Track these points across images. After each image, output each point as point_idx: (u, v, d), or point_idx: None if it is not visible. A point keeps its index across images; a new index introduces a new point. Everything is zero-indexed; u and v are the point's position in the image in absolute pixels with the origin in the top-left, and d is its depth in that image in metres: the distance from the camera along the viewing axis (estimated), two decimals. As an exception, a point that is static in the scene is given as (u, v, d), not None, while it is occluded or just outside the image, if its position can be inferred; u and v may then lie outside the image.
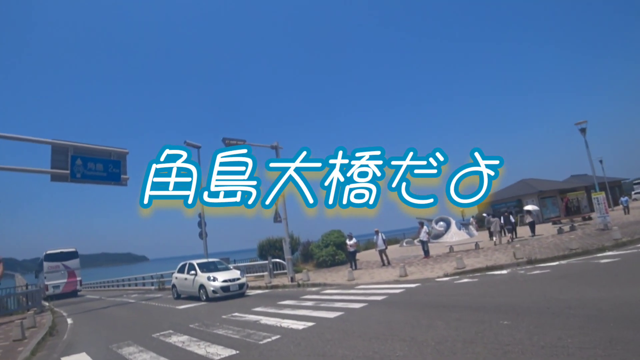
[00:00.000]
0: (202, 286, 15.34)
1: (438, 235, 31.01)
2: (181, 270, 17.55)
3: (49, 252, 31.01)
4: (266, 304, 12.34)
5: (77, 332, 11.90)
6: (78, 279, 31.27)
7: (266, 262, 21.25)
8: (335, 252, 22.66)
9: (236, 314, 11.22)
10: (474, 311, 7.91)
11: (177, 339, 8.60)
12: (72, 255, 31.43)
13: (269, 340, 7.51)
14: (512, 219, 24.38)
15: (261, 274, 21.38)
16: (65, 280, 30.02)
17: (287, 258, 18.60)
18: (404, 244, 33.36)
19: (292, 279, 17.85)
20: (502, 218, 24.12)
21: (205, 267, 16.45)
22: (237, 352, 6.95)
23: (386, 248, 19.89)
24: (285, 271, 20.78)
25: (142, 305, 17.42)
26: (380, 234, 19.74)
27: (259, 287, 18.01)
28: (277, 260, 21.87)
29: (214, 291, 14.83)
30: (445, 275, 13.80)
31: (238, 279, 15.67)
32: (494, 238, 23.10)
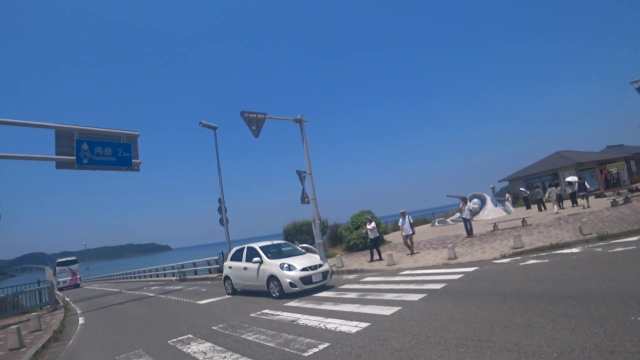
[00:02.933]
0: (272, 277, 11.58)
1: (473, 214, 28.99)
2: (237, 258, 13.67)
3: (58, 260, 46.91)
4: (300, 297, 10.61)
5: (85, 336, 10.37)
6: (78, 276, 45.53)
7: (293, 248, 19.50)
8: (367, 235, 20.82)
9: (267, 310, 9.49)
10: (579, 302, 5.99)
11: (197, 348, 6.90)
12: (74, 261, 46.35)
13: (316, 350, 5.72)
14: (587, 185, 24.40)
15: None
16: (69, 278, 43.66)
17: (318, 242, 16.76)
18: (436, 223, 31.36)
19: (324, 266, 16.09)
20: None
21: (269, 252, 12.72)
22: (276, 369, 5.20)
23: (413, 233, 16.48)
24: (314, 257, 19.10)
25: (160, 300, 15.90)
26: (407, 216, 16.41)
27: (288, 276, 16.29)
28: (306, 245, 20.11)
29: (291, 284, 11.05)
30: (503, 257, 11.87)
31: (320, 265, 11.95)
32: (555, 207, 23.36)
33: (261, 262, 12.27)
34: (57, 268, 44.39)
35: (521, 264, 10.29)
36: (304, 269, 11.42)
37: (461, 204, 19.59)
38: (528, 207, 31.02)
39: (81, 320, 13.48)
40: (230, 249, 22.66)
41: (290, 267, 11.42)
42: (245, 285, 13.24)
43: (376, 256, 16.15)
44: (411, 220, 16.44)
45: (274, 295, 11.51)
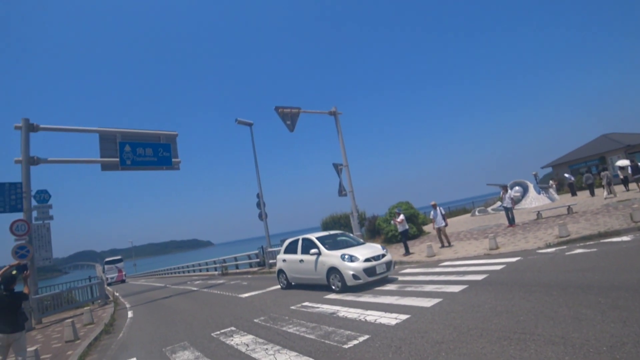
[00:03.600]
0: (333, 270, 10.69)
1: (515, 202, 28.13)
2: (291, 250, 12.93)
3: (106, 259, 51.76)
4: (340, 290, 10.63)
5: (134, 329, 10.84)
6: (123, 273, 49.47)
7: (331, 240, 19.51)
8: (406, 226, 20.55)
9: (306, 303, 9.60)
10: (630, 293, 5.73)
11: (240, 340, 7.07)
12: (119, 260, 50.75)
13: (356, 342, 5.74)
14: None
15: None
16: (116, 274, 47.69)
17: (357, 235, 16.75)
18: (477, 212, 30.63)
19: (363, 258, 15.99)
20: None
21: (326, 243, 11.78)
22: (316, 361, 5.25)
23: (446, 225, 15.99)
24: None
25: (204, 294, 16.36)
26: (438, 208, 15.85)
27: (326, 269, 16.35)
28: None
29: (354, 276, 10.14)
30: (548, 246, 11.47)
31: (383, 255, 10.98)
32: (605, 193, 22.72)
33: (319, 253, 11.38)
34: (105, 266, 48.95)
35: (567, 253, 9.92)
36: (367, 260, 10.49)
37: (502, 193, 19.05)
38: (574, 193, 29.82)
39: (130, 314, 14.07)
40: (270, 243, 23.05)
41: (352, 258, 10.50)
42: (302, 278, 12.35)
43: (412, 249, 15.84)
44: (443, 212, 15.89)
45: (335, 288, 10.62)
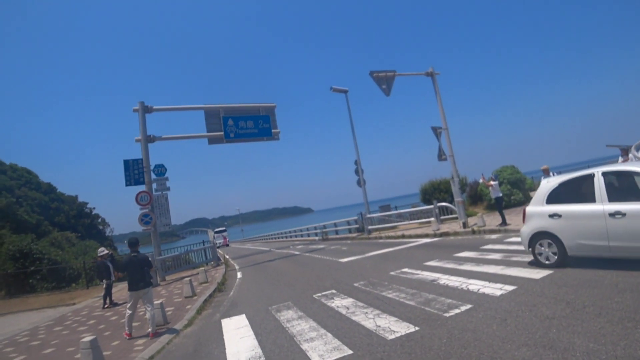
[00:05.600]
0: None
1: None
2: (571, 196, 7.10)
3: (216, 230, 70.39)
4: (440, 257, 10.38)
5: (243, 288, 11.71)
6: (227, 239, 63.90)
7: (431, 206, 18.92)
8: (511, 192, 19.23)
9: (406, 269, 9.53)
10: None
11: (340, 303, 7.29)
12: (224, 230, 68.28)
13: (457, 311, 5.60)
14: None
15: (427, 220, 19.32)
16: (222, 241, 60.19)
17: (458, 201, 16.08)
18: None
19: (465, 225, 15.28)
20: None
21: None
22: (417, 328, 5.22)
23: None
24: (454, 216, 18.36)
25: (305, 258, 17.04)
26: (551, 172, 13.51)
27: (426, 235, 16.04)
28: (444, 204, 19.49)
29: None
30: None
31: None
32: None
33: None
34: (215, 234, 62.38)
35: None
36: None
37: (621, 156, 16.65)
38: None
39: (239, 275, 15.22)
40: (368, 210, 23.16)
41: None
42: (613, 248, 6.35)
43: (514, 219, 14.59)
44: None
45: None
